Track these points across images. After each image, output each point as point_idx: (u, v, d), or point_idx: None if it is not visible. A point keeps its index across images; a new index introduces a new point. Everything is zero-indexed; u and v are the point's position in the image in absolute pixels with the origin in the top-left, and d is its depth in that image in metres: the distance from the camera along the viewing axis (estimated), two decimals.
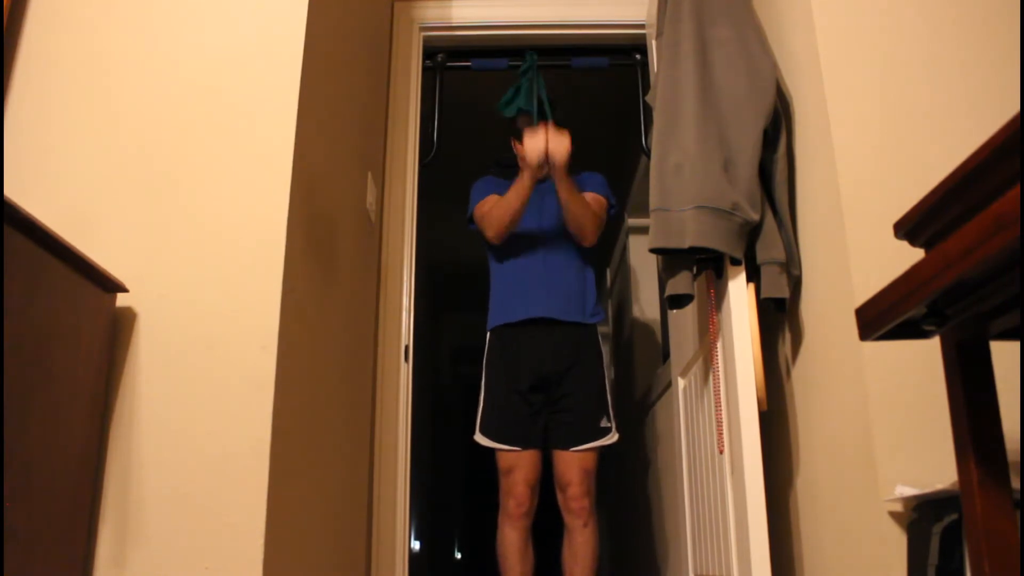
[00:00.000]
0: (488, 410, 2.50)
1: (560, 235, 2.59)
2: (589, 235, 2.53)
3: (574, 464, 2.40)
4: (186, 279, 1.48)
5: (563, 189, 2.45)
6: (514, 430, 2.43)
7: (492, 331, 2.60)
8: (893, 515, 1.41)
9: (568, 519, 2.40)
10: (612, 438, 2.46)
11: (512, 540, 2.37)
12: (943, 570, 1.23)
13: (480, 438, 2.48)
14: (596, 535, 2.40)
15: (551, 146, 2.35)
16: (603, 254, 4.83)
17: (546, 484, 2.48)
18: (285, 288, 1.47)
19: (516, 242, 2.60)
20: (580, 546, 2.36)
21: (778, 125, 1.87)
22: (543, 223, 2.61)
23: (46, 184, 1.54)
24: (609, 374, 4.53)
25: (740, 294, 1.77)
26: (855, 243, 1.57)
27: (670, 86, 1.92)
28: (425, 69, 2.89)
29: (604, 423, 2.45)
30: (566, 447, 2.42)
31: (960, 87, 1.64)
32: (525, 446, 2.42)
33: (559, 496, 2.43)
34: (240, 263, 1.48)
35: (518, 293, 2.55)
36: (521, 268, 2.57)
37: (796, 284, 1.83)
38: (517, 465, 2.41)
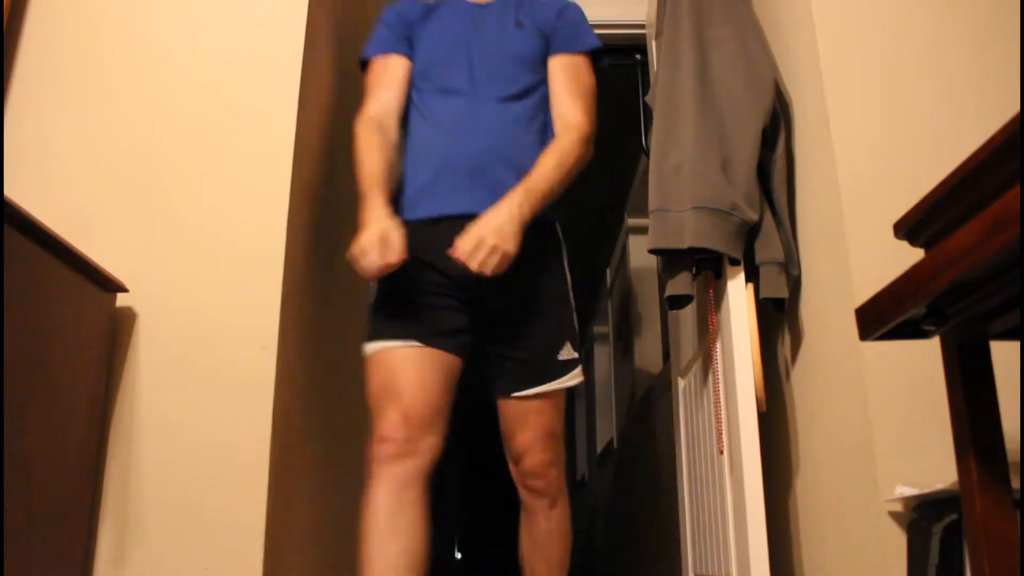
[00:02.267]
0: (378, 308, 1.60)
1: (498, 82, 1.64)
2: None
3: (526, 418, 1.59)
4: (186, 279, 1.48)
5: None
6: (412, 323, 1.54)
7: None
8: (893, 515, 1.41)
9: (526, 498, 1.64)
10: (576, 378, 1.63)
11: (380, 501, 1.43)
12: (943, 570, 1.23)
13: (368, 348, 1.55)
14: (568, 518, 1.66)
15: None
16: (603, 254, 4.84)
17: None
18: (285, 288, 1.47)
19: (436, 93, 1.66)
20: (545, 534, 1.63)
21: (777, 125, 1.87)
22: (474, 65, 1.66)
23: (46, 184, 1.54)
24: (609, 374, 4.54)
25: (739, 294, 1.77)
26: (855, 243, 1.57)
27: (669, 86, 1.92)
28: None
29: (564, 355, 1.61)
30: (509, 394, 1.60)
31: (960, 87, 1.64)
32: (423, 341, 1.52)
33: (512, 470, 1.65)
34: (240, 263, 1.48)
35: (436, 171, 1.59)
36: (439, 131, 1.62)
37: (795, 284, 1.83)
38: (400, 367, 1.51)
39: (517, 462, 1.62)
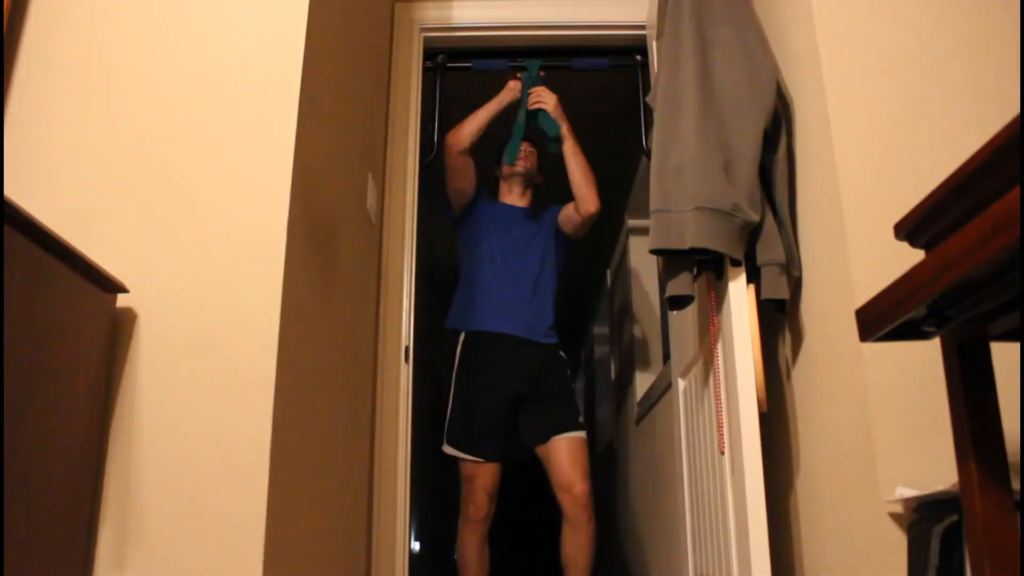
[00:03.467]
0: (455, 420, 2.65)
1: (529, 254, 2.78)
2: (593, 197, 2.75)
3: (570, 458, 2.56)
4: (186, 279, 1.48)
5: (569, 143, 2.75)
6: (479, 441, 2.59)
7: (466, 336, 2.73)
8: (893, 516, 1.41)
9: (575, 513, 2.53)
10: (582, 433, 2.63)
11: (471, 543, 2.54)
12: (943, 571, 1.23)
13: (447, 448, 2.63)
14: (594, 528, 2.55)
15: (541, 96, 2.75)
16: (603, 255, 4.84)
17: (539, 488, 2.62)
18: (285, 288, 1.47)
19: (488, 253, 2.77)
20: (585, 539, 2.52)
21: (778, 126, 1.87)
22: (515, 239, 2.81)
23: (46, 184, 1.54)
24: (609, 375, 4.54)
25: (740, 295, 1.77)
26: (855, 244, 1.57)
27: (670, 87, 1.92)
28: (426, 70, 2.89)
29: (580, 420, 2.65)
30: (549, 436, 2.59)
31: (960, 87, 1.64)
32: (487, 458, 2.57)
33: (564, 497, 2.55)
34: (240, 263, 1.48)
35: (488, 303, 2.72)
36: (490, 279, 2.74)
37: (796, 285, 1.83)
38: (478, 474, 2.56)
39: (570, 491, 2.52)
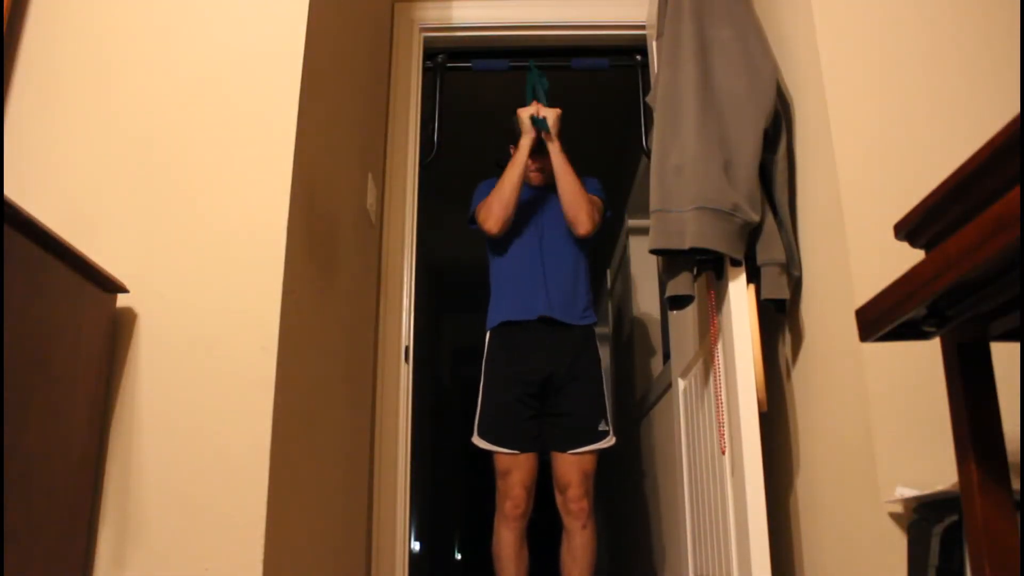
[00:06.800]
0: (486, 412, 2.51)
1: (559, 237, 2.61)
2: (584, 220, 2.54)
3: (573, 466, 2.42)
4: (186, 279, 1.48)
5: (557, 158, 2.57)
6: (512, 433, 2.44)
7: (492, 330, 2.61)
8: (893, 516, 1.41)
9: (567, 520, 2.42)
10: (609, 442, 2.47)
11: (508, 541, 2.40)
12: (943, 571, 1.23)
13: (478, 440, 2.49)
14: (595, 536, 2.43)
15: (543, 110, 2.57)
16: (603, 255, 4.84)
17: (544, 485, 2.49)
18: (285, 288, 1.47)
19: (516, 242, 2.62)
20: (579, 547, 2.39)
21: (778, 126, 1.87)
22: (542, 224, 2.64)
23: (46, 184, 1.54)
24: (609, 374, 4.54)
25: (740, 295, 1.77)
26: (855, 244, 1.57)
27: (670, 87, 1.92)
28: (426, 70, 2.89)
29: (602, 426, 2.47)
30: (564, 450, 2.44)
31: (960, 88, 1.64)
32: (523, 449, 2.43)
33: (558, 498, 2.45)
34: (240, 263, 1.48)
35: (518, 292, 2.57)
36: (521, 267, 2.60)
37: (796, 285, 1.83)
38: (514, 467, 2.42)
39: (563, 492, 2.44)
